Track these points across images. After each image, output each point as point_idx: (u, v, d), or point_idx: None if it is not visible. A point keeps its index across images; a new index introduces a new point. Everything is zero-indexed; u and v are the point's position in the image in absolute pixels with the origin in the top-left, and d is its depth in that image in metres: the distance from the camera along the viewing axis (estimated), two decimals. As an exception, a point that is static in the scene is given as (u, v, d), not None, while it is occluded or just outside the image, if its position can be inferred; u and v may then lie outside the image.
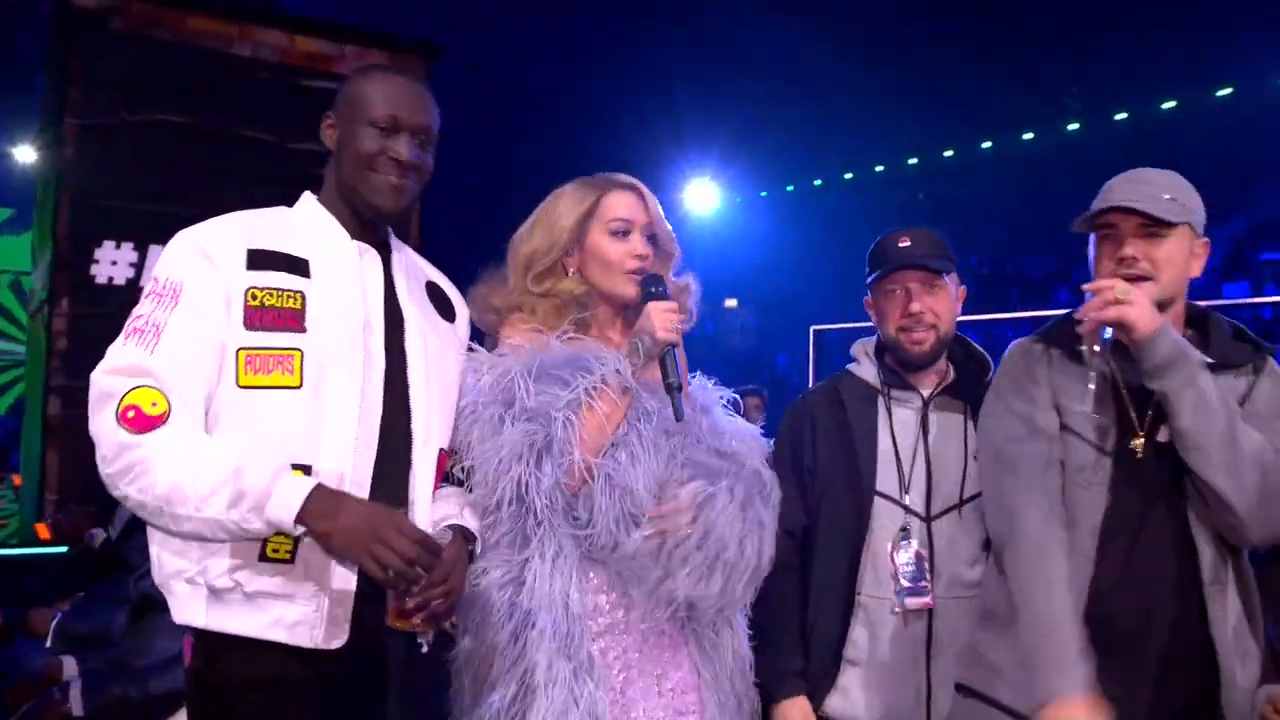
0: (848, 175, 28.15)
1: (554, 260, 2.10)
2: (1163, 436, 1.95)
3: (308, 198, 2.00)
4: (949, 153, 27.58)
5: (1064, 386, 2.05)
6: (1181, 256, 1.95)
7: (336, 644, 1.78)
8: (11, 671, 3.18)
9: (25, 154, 11.19)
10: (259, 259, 1.83)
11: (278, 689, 1.76)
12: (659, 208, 2.19)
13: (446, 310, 2.09)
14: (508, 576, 1.88)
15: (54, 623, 3.56)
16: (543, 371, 1.93)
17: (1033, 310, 19.84)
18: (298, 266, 1.85)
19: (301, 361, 1.78)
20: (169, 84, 6.18)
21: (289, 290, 1.82)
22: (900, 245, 2.42)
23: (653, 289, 2.07)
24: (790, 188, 28.68)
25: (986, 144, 26.45)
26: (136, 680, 2.96)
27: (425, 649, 1.85)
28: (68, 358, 5.79)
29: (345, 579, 1.78)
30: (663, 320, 1.99)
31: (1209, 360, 1.91)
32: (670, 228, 2.21)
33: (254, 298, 1.79)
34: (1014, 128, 26.15)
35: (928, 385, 2.48)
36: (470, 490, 1.94)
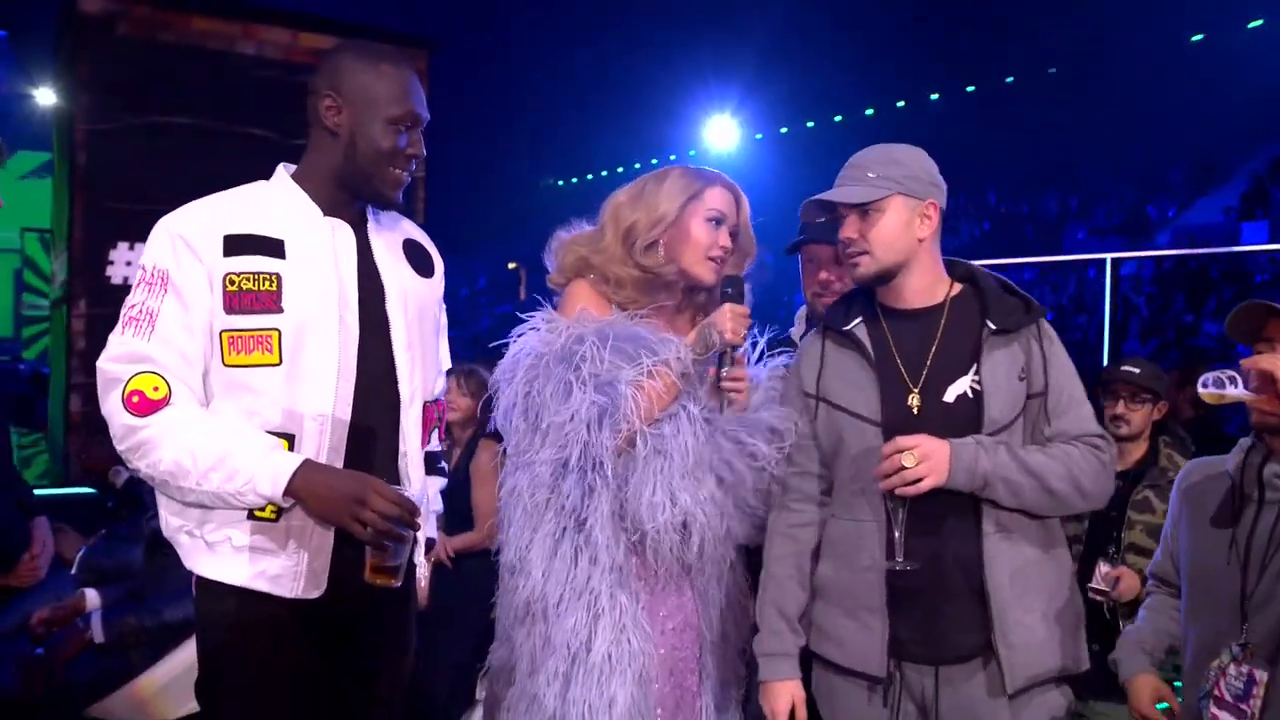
0: (869, 111, 27.86)
1: (654, 239, 2.23)
2: (948, 396, 2.01)
3: (282, 174, 2.05)
4: (971, 88, 27.25)
5: (833, 370, 2.13)
6: (896, 226, 2.03)
7: (315, 594, 1.93)
8: (40, 605, 3.40)
9: (47, 96, 10.64)
10: (235, 244, 1.90)
11: (265, 630, 1.92)
12: (748, 212, 2.35)
13: (425, 266, 2.17)
14: (575, 521, 2.09)
15: (79, 556, 3.78)
16: (613, 342, 2.09)
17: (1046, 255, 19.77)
18: (274, 248, 1.93)
19: (280, 340, 1.89)
20: (175, 86, 6.20)
21: (265, 274, 1.90)
22: (816, 220, 2.54)
23: (730, 290, 2.22)
24: (810, 124, 28.44)
25: (1009, 79, 26.11)
26: (152, 611, 3.18)
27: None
28: (86, 357, 5.90)
29: (324, 536, 1.92)
30: (735, 323, 2.13)
31: (992, 326, 1.99)
32: (752, 232, 2.37)
33: (231, 283, 1.88)
34: (1040, 62, 25.75)
35: None
36: (542, 447, 2.10)
